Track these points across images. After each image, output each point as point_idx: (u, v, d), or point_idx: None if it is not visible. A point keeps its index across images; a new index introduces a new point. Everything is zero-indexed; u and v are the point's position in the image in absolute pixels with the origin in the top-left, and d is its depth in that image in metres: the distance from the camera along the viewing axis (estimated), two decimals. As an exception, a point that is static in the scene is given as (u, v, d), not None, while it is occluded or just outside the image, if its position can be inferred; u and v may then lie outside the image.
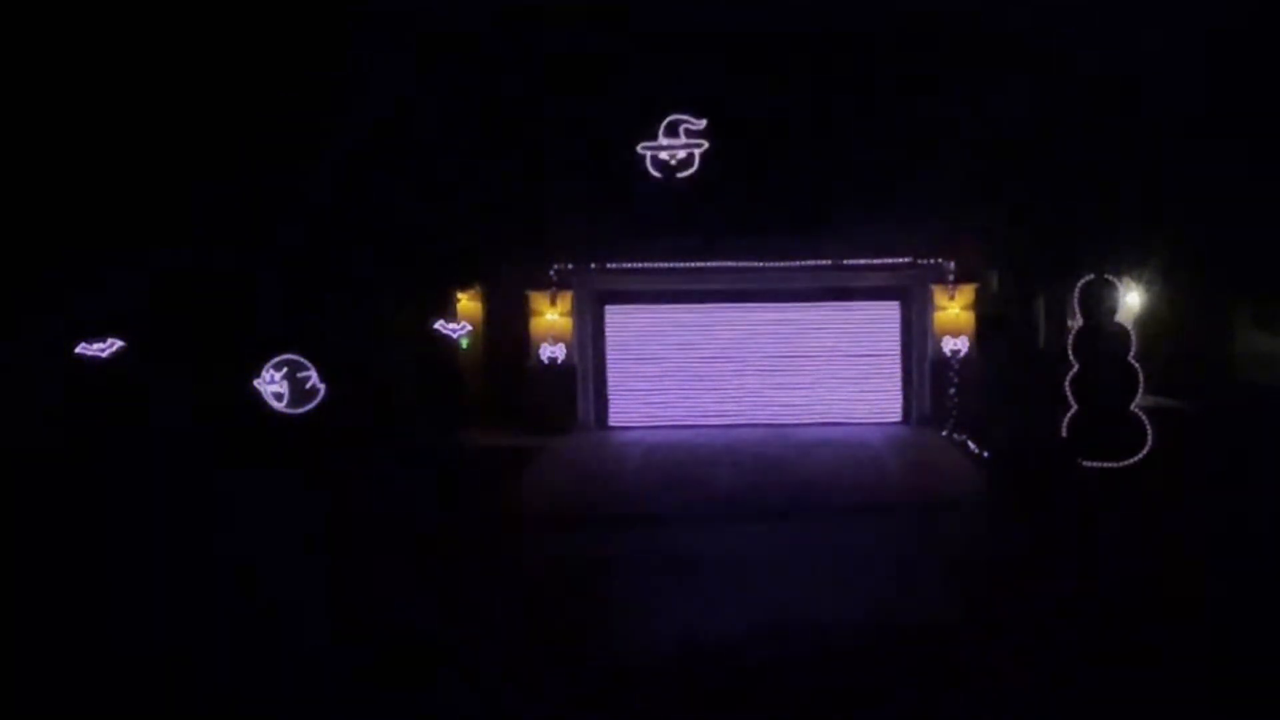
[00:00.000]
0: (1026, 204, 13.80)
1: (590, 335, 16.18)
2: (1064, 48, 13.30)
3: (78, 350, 13.60)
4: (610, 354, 16.39)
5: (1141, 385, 11.54)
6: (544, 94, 14.51)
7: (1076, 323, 11.82)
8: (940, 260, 15.44)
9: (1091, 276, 11.65)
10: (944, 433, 14.60)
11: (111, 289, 13.52)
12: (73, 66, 13.13)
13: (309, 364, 13.16)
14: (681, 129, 15.36)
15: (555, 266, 15.68)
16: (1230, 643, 6.46)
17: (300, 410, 13.12)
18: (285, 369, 13.16)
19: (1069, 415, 11.70)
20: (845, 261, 15.39)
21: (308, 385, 13.15)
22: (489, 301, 16.44)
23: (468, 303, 16.13)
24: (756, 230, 14.95)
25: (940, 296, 15.47)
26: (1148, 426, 11.46)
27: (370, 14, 13.73)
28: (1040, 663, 6.17)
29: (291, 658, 6.61)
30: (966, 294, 15.40)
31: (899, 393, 16.12)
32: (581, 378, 16.01)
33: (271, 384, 13.13)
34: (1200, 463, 11.50)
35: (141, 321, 13.70)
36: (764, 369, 16.24)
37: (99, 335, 13.69)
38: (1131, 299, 13.88)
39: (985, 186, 13.83)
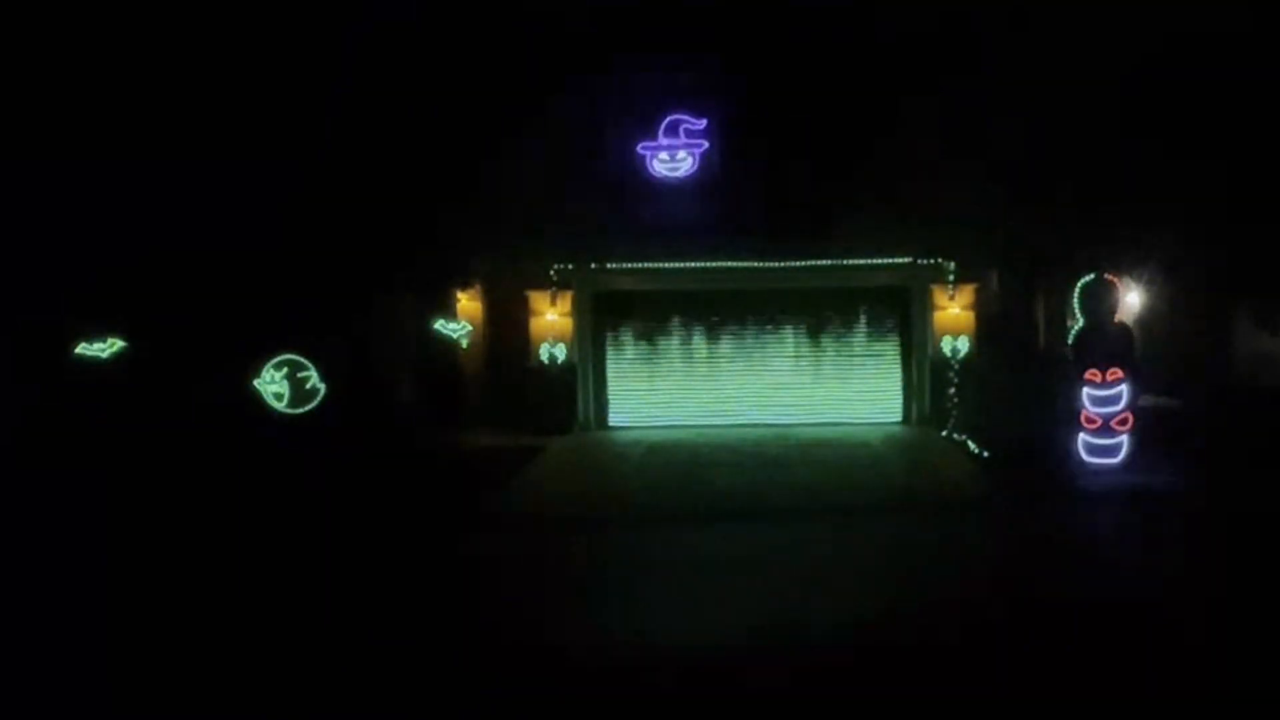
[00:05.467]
0: (1026, 204, 13.79)
1: (590, 335, 16.19)
2: (1064, 49, 13.29)
3: (78, 350, 13.59)
4: (610, 354, 16.41)
5: (1141, 385, 11.57)
6: (545, 92, 14.50)
7: (1076, 323, 11.84)
8: (940, 260, 15.44)
9: (1091, 276, 11.67)
10: (944, 433, 14.60)
11: (110, 289, 13.52)
12: (70, 58, 13.13)
13: (309, 364, 13.16)
14: (682, 129, 15.39)
15: (555, 266, 15.69)
16: (1230, 642, 6.46)
17: (300, 410, 13.12)
18: (285, 369, 13.17)
19: (1069, 415, 11.73)
20: (845, 261, 15.40)
21: (308, 385, 13.15)
22: (489, 301, 16.44)
23: (468, 303, 16.12)
24: (756, 230, 14.95)
25: (940, 296, 15.48)
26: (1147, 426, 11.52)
27: (370, 11, 13.71)
28: (1040, 663, 6.16)
29: (283, 658, 6.61)
30: (966, 294, 15.40)
31: (899, 393, 16.13)
32: (581, 378, 16.01)
33: (271, 384, 13.15)
34: (1199, 462, 11.51)
35: (141, 321, 13.69)
36: (764, 369, 16.25)
37: (99, 335, 13.69)
38: (1131, 299, 13.87)
39: (986, 186, 13.81)
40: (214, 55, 13.36)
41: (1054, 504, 10.60)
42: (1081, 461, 11.57)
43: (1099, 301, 11.65)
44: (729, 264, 15.55)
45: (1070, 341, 11.82)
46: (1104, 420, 11.47)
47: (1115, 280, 11.77)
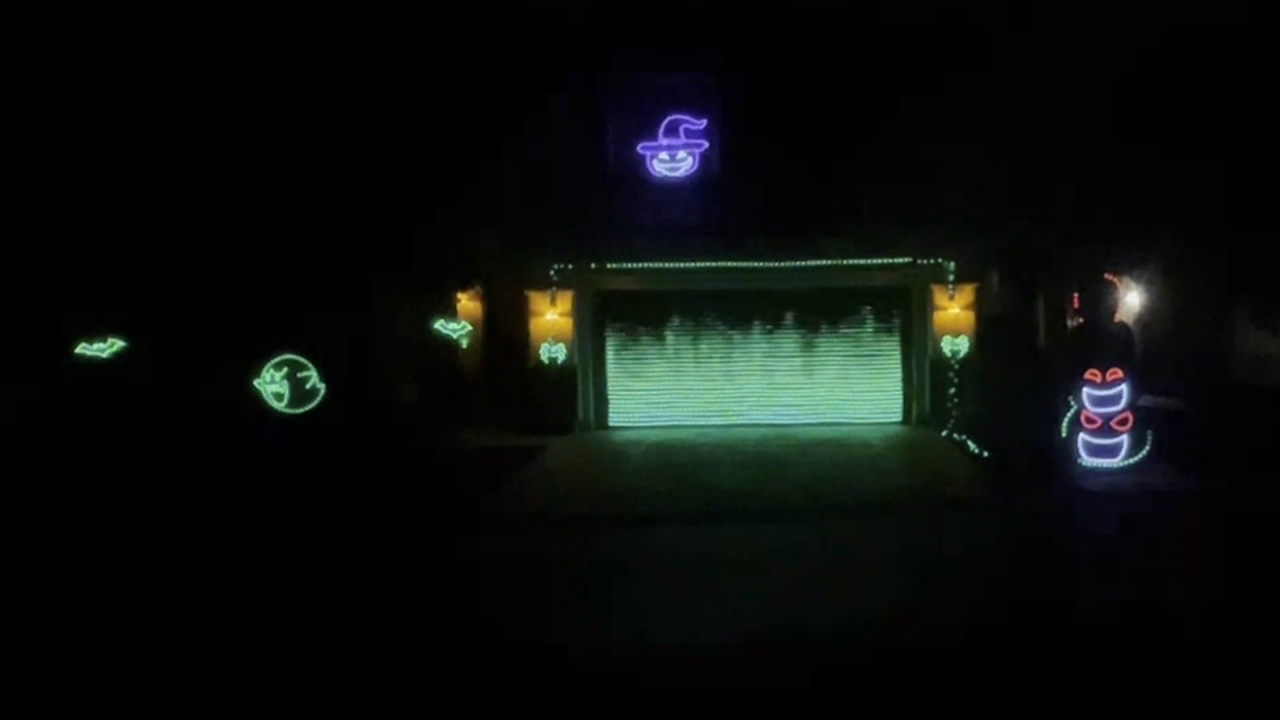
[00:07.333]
0: (1026, 204, 13.79)
1: (590, 335, 16.18)
2: (1064, 48, 13.29)
3: (78, 350, 13.60)
4: (610, 354, 16.41)
5: (1141, 384, 11.57)
6: (545, 92, 14.50)
7: (1076, 323, 11.84)
8: (940, 260, 15.44)
9: (1091, 276, 11.67)
10: (944, 433, 14.60)
11: (110, 289, 13.53)
12: (71, 57, 13.14)
13: (309, 364, 13.17)
14: (682, 129, 15.39)
15: (555, 266, 15.69)
16: (1231, 642, 6.46)
17: (300, 410, 13.13)
18: (285, 369, 13.17)
19: (1069, 415, 11.73)
20: (845, 261, 15.39)
21: (308, 385, 13.16)
22: (489, 301, 16.44)
23: (468, 303, 16.13)
24: (756, 230, 14.95)
25: (940, 296, 15.49)
26: (1147, 426, 11.51)
27: (370, 10, 13.72)
28: (1040, 664, 6.16)
29: (283, 658, 6.61)
30: (966, 294, 15.41)
31: (899, 393, 16.14)
32: (581, 378, 16.01)
33: (271, 384, 13.15)
34: (1199, 462, 11.51)
35: (141, 321, 13.70)
36: (764, 369, 16.26)
37: (99, 335, 13.70)
38: (1131, 299, 13.87)
39: (986, 187, 13.81)
40: (214, 54, 13.36)
41: (1054, 504, 10.60)
42: (1081, 461, 11.57)
43: (1099, 301, 11.65)
44: (729, 264, 15.54)
45: (1069, 341, 11.81)
46: (1104, 420, 11.47)
47: (1115, 280, 11.77)
